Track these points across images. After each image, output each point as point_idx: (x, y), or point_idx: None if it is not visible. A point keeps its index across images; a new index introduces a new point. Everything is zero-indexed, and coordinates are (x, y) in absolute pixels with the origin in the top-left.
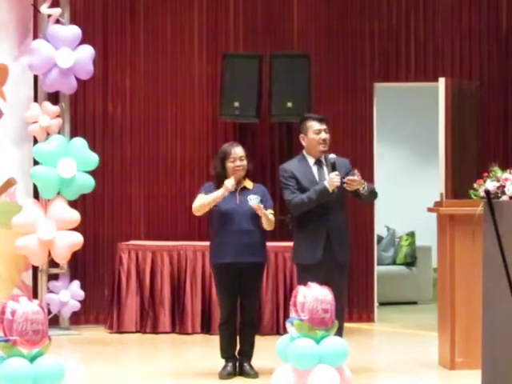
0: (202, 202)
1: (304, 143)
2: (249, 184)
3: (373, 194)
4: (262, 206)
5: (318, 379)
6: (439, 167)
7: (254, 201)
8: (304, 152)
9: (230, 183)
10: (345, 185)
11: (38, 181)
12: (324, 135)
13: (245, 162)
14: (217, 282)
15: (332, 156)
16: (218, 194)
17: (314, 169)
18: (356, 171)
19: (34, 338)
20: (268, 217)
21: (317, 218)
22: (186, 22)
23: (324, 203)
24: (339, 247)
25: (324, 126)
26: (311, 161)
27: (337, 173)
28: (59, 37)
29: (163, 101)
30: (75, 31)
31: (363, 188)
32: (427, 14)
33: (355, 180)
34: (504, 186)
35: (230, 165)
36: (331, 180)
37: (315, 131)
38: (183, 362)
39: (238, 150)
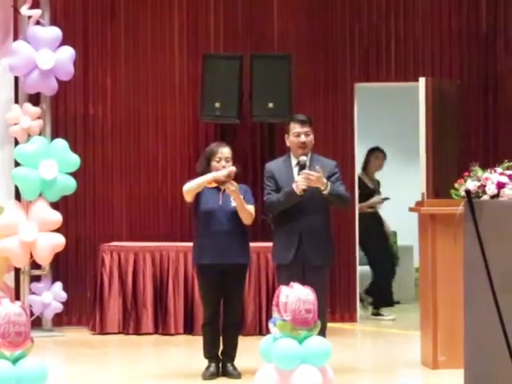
0: (191, 185)
1: (288, 144)
2: None
3: (340, 199)
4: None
5: (300, 379)
6: (420, 167)
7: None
8: (290, 152)
9: (221, 173)
10: (300, 178)
11: (20, 182)
12: (303, 138)
13: (230, 164)
14: (200, 283)
15: (303, 158)
16: (207, 177)
17: (295, 170)
18: (318, 167)
19: (16, 339)
20: (243, 203)
21: (291, 219)
22: (167, 23)
23: (300, 205)
24: (312, 249)
25: (305, 129)
26: (294, 162)
27: (305, 171)
28: (39, 38)
29: (144, 101)
30: (55, 32)
31: (325, 188)
32: (407, 14)
33: (311, 175)
34: (485, 186)
35: (214, 164)
36: (296, 182)
37: (294, 134)
38: (166, 362)
39: (225, 150)
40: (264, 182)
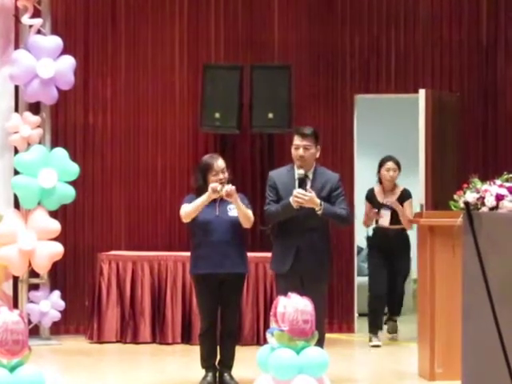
0: (189, 209)
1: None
2: None
3: (337, 219)
4: (233, 189)
5: None
6: (419, 178)
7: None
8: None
9: (214, 185)
10: (294, 198)
11: (19, 191)
12: (301, 152)
13: (226, 174)
14: (197, 293)
15: (300, 172)
16: (204, 198)
17: (297, 183)
18: (308, 187)
19: (14, 347)
20: (241, 207)
21: (290, 234)
22: (167, 33)
23: (299, 220)
24: (310, 263)
25: (304, 142)
26: (297, 173)
27: (300, 190)
28: (40, 47)
29: (144, 111)
30: (56, 42)
31: (320, 208)
32: (407, 25)
33: (305, 195)
34: (484, 198)
35: (212, 178)
36: (294, 197)
37: (294, 146)
38: (163, 372)
39: (220, 163)
40: (266, 191)
